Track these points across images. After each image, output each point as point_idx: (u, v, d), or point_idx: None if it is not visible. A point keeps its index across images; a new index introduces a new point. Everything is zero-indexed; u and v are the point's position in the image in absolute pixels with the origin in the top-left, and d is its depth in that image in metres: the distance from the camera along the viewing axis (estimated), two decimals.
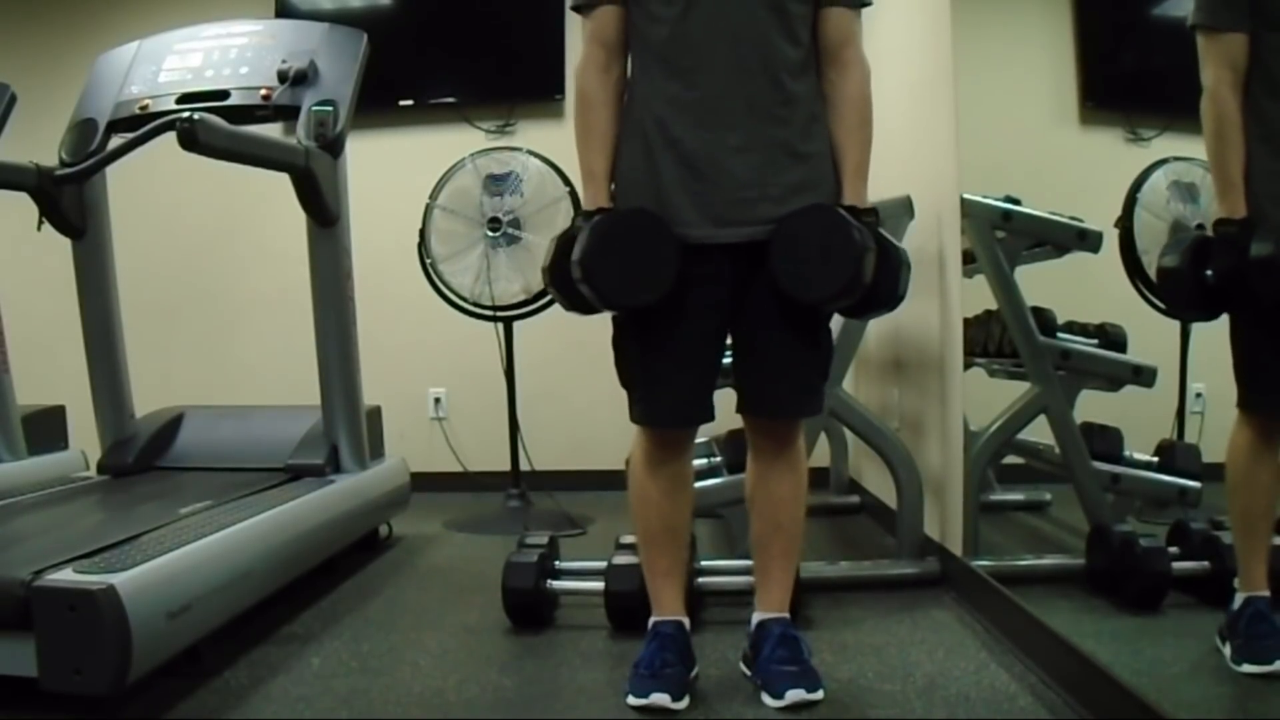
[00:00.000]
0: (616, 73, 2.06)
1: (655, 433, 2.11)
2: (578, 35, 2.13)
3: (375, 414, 3.49)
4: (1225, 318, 1.97)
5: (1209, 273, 1.90)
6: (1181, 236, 2.12)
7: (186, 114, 2.33)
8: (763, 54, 1.95)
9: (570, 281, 1.99)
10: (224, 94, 3.05)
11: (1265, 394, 1.94)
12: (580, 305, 2.04)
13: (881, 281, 1.96)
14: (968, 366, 2.86)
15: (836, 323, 2.20)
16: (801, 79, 1.99)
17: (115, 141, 2.94)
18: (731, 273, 2.00)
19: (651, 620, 2.17)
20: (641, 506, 2.16)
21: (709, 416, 2.10)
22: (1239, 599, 1.97)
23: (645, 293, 1.95)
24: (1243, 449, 1.98)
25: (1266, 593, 1.95)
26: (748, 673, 2.16)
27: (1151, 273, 2.52)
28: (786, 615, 2.15)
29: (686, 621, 2.18)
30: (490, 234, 3.86)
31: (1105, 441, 2.71)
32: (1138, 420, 2.73)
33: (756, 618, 2.16)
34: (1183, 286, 1.97)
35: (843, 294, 1.94)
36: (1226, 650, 1.97)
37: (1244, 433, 1.98)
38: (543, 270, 2.08)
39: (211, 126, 2.38)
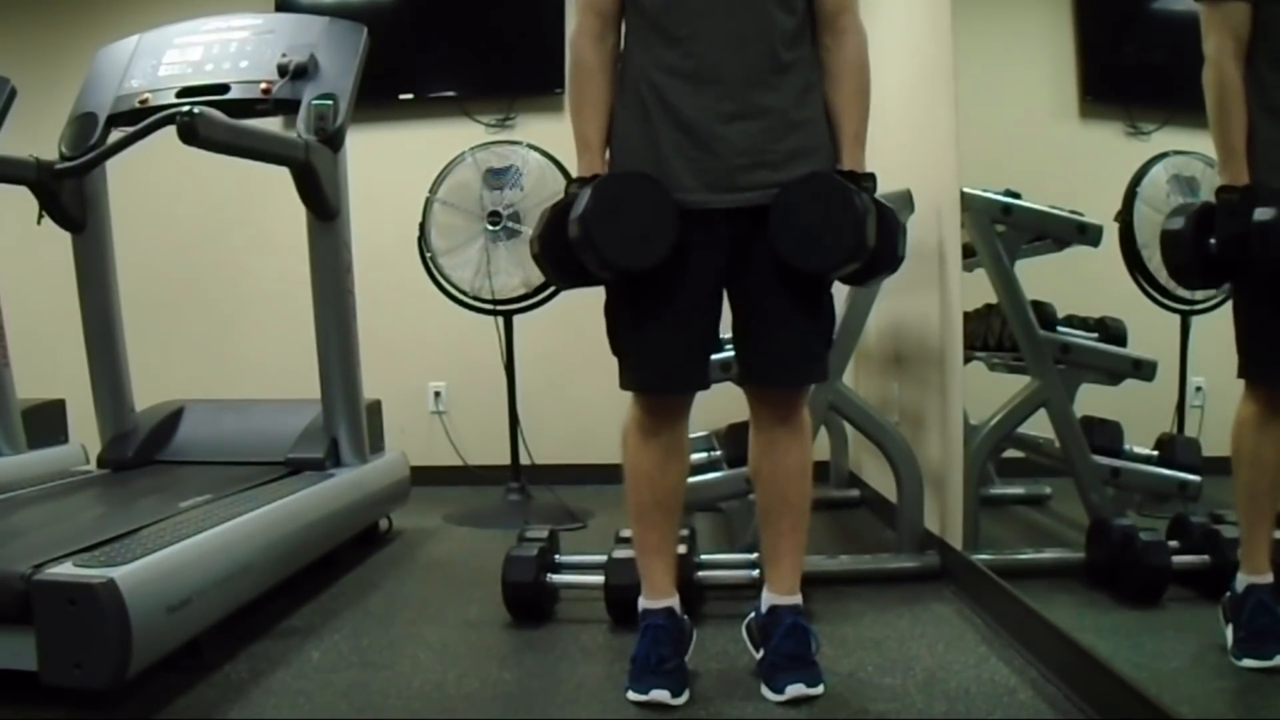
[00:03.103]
0: (611, 41, 2.06)
1: (648, 400, 2.10)
2: None
3: (375, 408, 3.48)
4: (1226, 312, 1.97)
5: (1211, 241, 1.90)
6: (1183, 205, 2.11)
7: (186, 108, 2.33)
8: (758, 23, 1.95)
9: (561, 249, 1.97)
10: (224, 88, 3.05)
11: (1267, 364, 1.94)
12: (569, 275, 2.02)
13: (881, 246, 1.95)
14: (968, 360, 2.86)
15: (837, 316, 2.19)
16: (796, 47, 1.99)
17: (115, 135, 2.94)
18: (729, 238, 2.00)
19: (641, 605, 2.15)
20: (633, 478, 2.13)
21: (704, 383, 2.09)
22: (1241, 581, 1.96)
23: (645, 256, 1.93)
24: (1248, 423, 1.96)
25: (1269, 578, 1.94)
26: (752, 649, 2.16)
27: (1152, 267, 2.52)
28: (798, 600, 2.12)
29: (676, 603, 2.15)
30: (490, 228, 3.86)
31: (1105, 435, 2.71)
32: (1138, 414, 2.73)
33: (768, 599, 2.13)
34: (1185, 254, 1.96)
35: (847, 260, 1.94)
36: (1229, 632, 1.96)
37: (1249, 406, 1.97)
38: (532, 240, 2.05)
39: (211, 120, 2.37)
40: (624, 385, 2.09)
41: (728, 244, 2.00)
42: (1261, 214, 1.81)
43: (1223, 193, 1.90)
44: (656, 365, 2.05)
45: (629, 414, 2.13)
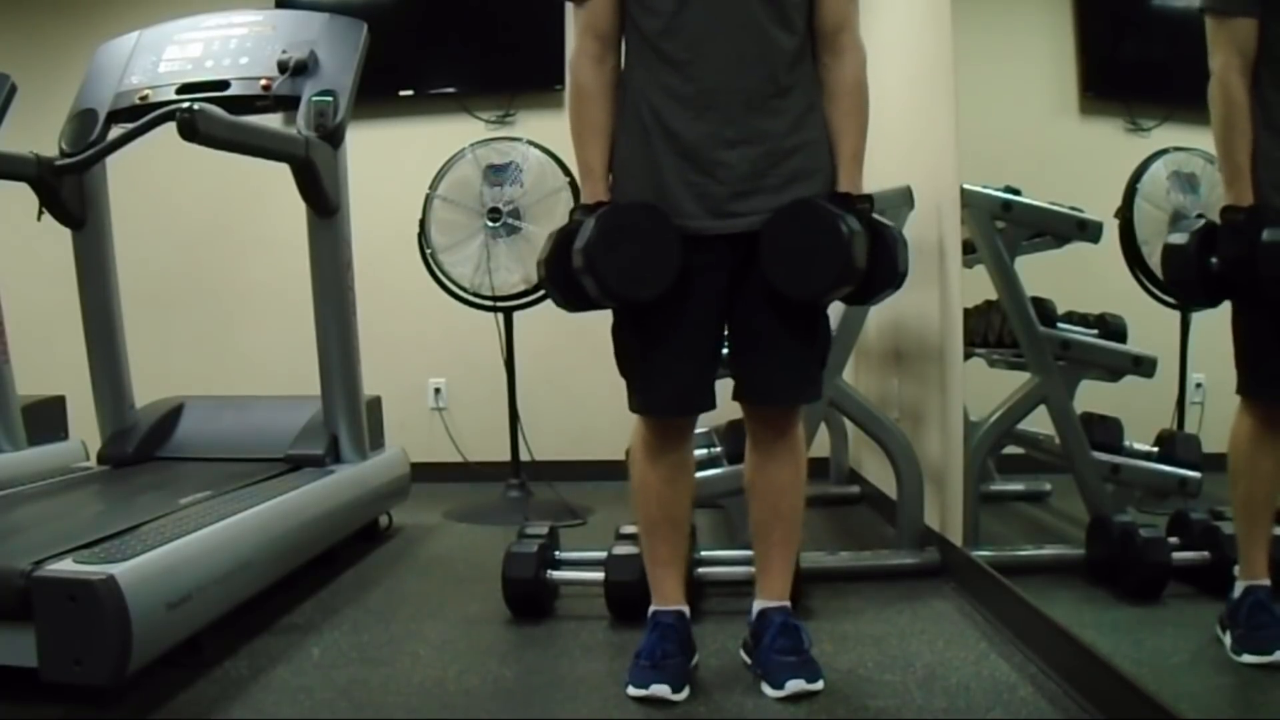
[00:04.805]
0: (611, 64, 2.05)
1: (655, 422, 2.11)
2: None
3: (375, 404, 3.49)
4: (1225, 308, 1.97)
5: (1214, 259, 1.89)
6: (1187, 222, 2.11)
7: (186, 104, 2.33)
8: (759, 45, 1.94)
9: (567, 276, 1.98)
10: (224, 84, 3.05)
11: (1266, 383, 1.94)
12: (575, 300, 2.02)
13: (879, 265, 1.95)
14: (968, 356, 2.86)
15: (836, 312, 2.19)
16: (797, 68, 1.98)
17: (115, 132, 2.93)
18: (730, 261, 2.00)
19: (651, 609, 2.16)
20: (642, 495, 2.15)
21: (709, 405, 2.10)
22: (1239, 587, 1.97)
23: (647, 287, 1.94)
24: (1245, 437, 1.97)
25: (1267, 581, 1.95)
26: (748, 661, 2.16)
27: (1152, 263, 2.52)
28: (787, 604, 2.15)
29: (687, 611, 2.18)
30: (490, 224, 3.86)
31: (1105, 432, 2.71)
32: (1138, 410, 2.73)
33: (757, 606, 2.16)
34: (1187, 272, 1.96)
35: (834, 287, 1.94)
36: (1226, 640, 1.97)
37: (1245, 421, 1.97)
38: (538, 264, 2.06)
39: (211, 117, 2.37)
40: (632, 408, 2.11)
41: (730, 268, 2.01)
42: (1270, 235, 1.79)
43: (1228, 212, 1.89)
44: (663, 389, 2.07)
45: (636, 434, 2.15)
